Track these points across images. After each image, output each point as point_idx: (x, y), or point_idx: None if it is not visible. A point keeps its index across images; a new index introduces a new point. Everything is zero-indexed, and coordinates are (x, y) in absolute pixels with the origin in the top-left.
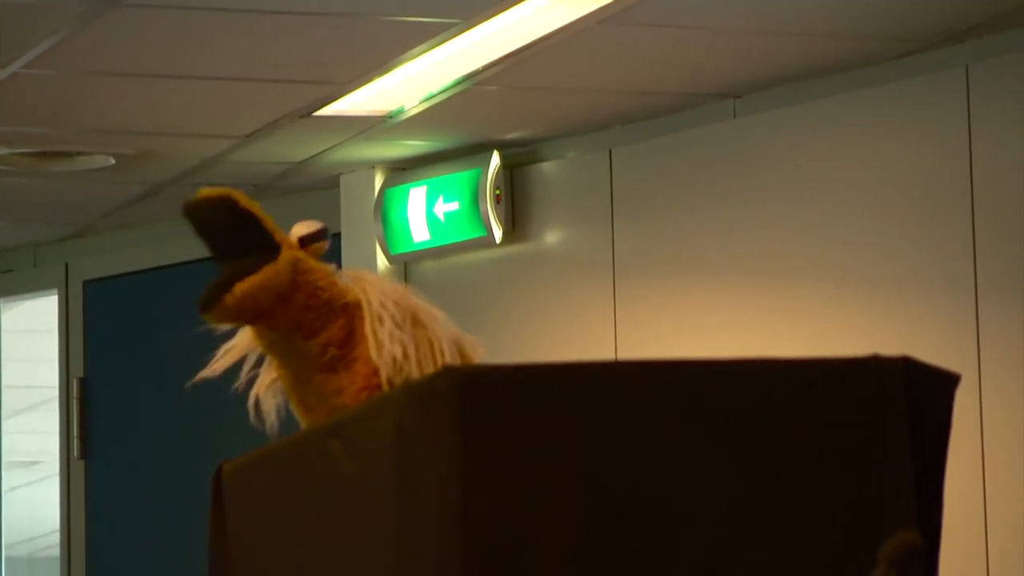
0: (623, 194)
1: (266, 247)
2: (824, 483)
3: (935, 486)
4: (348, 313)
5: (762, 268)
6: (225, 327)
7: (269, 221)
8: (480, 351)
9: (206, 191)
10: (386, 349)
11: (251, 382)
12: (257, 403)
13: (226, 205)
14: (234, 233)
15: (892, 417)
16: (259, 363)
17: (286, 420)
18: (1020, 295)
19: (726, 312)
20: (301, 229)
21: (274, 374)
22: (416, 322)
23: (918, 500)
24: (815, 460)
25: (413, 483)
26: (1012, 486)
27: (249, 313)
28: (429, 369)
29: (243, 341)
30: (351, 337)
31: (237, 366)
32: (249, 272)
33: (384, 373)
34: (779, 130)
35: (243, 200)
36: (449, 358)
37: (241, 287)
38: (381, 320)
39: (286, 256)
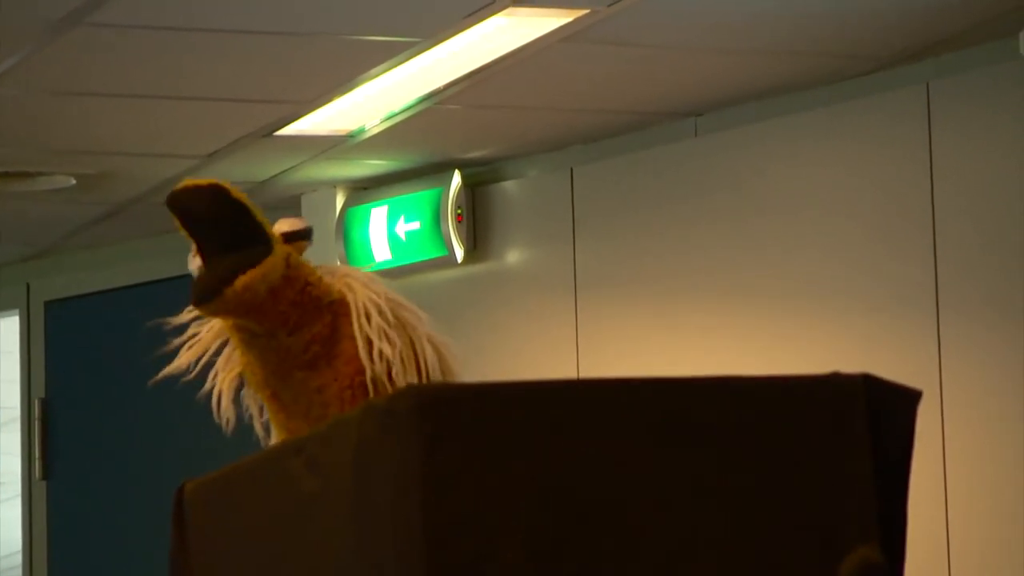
0: (584, 213)
1: (259, 240)
2: (785, 501)
3: (898, 503)
4: (333, 311)
5: (723, 286)
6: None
7: (260, 213)
8: (455, 353)
9: (192, 180)
10: (375, 347)
11: (215, 375)
12: (219, 399)
13: (217, 195)
14: (224, 225)
15: (853, 435)
16: (227, 358)
17: (245, 419)
18: (981, 311)
19: (687, 330)
20: (284, 226)
21: (237, 370)
22: (399, 321)
23: (881, 517)
24: (776, 478)
25: (374, 501)
26: (974, 501)
27: (245, 307)
28: (411, 368)
29: (208, 335)
30: (334, 334)
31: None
32: (252, 265)
33: (370, 370)
34: (740, 148)
35: (234, 191)
36: (430, 359)
37: (243, 280)
38: (369, 318)
39: (280, 250)
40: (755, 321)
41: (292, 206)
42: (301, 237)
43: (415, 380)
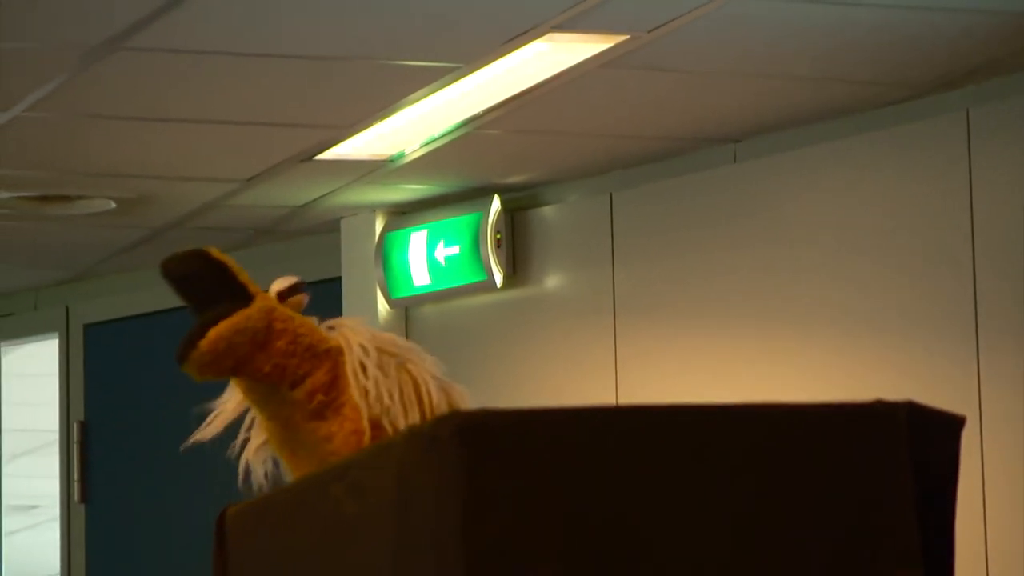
0: (624, 238)
1: (239, 296)
2: (828, 530)
3: (944, 531)
4: (331, 358)
5: (763, 312)
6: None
7: (242, 273)
8: (466, 399)
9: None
10: (370, 392)
11: (242, 445)
12: (247, 468)
13: (199, 257)
14: (208, 284)
15: (897, 462)
16: (250, 427)
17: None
18: (1021, 337)
19: (727, 356)
20: (278, 285)
21: (263, 436)
22: (402, 366)
23: (927, 545)
24: (819, 506)
25: (415, 526)
26: (1014, 528)
27: (226, 360)
28: (415, 412)
29: (233, 403)
30: (336, 382)
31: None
32: (222, 317)
33: (366, 415)
34: (780, 174)
35: (215, 252)
36: (436, 401)
37: (215, 331)
38: (363, 363)
39: (260, 303)
40: (794, 347)
41: (331, 230)
42: (292, 293)
43: (417, 421)
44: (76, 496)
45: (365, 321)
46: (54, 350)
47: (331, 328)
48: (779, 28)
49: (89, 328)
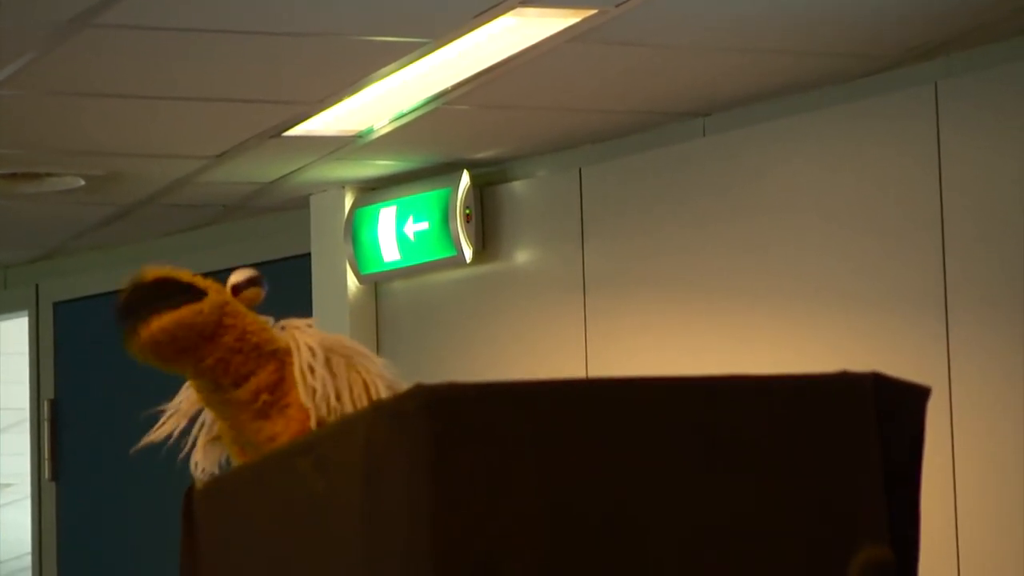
0: (593, 213)
1: (192, 293)
2: (796, 501)
3: (910, 501)
4: (278, 359)
5: (732, 285)
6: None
7: (186, 274)
8: None
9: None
10: (317, 392)
11: (193, 444)
12: (198, 466)
13: (138, 283)
14: (158, 295)
15: (862, 433)
16: (203, 426)
17: None
18: (989, 309)
19: (696, 329)
20: (235, 278)
21: (214, 434)
22: (351, 365)
23: (892, 515)
24: (787, 477)
25: (383, 501)
26: (983, 498)
27: (167, 351)
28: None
29: (187, 402)
30: (282, 383)
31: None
32: (170, 308)
33: (315, 416)
34: (749, 148)
35: (150, 272)
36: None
37: (158, 322)
38: (311, 364)
39: (213, 299)
40: (764, 321)
41: (301, 206)
42: (247, 287)
43: None
44: (46, 474)
45: (314, 323)
46: (24, 328)
47: (282, 328)
48: (748, 2)
49: (59, 306)
